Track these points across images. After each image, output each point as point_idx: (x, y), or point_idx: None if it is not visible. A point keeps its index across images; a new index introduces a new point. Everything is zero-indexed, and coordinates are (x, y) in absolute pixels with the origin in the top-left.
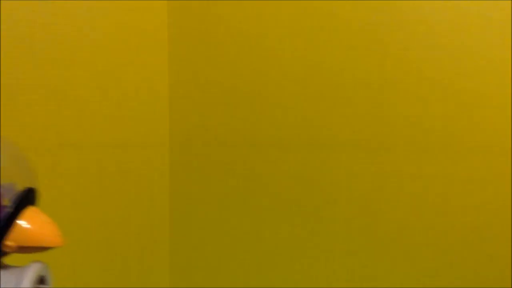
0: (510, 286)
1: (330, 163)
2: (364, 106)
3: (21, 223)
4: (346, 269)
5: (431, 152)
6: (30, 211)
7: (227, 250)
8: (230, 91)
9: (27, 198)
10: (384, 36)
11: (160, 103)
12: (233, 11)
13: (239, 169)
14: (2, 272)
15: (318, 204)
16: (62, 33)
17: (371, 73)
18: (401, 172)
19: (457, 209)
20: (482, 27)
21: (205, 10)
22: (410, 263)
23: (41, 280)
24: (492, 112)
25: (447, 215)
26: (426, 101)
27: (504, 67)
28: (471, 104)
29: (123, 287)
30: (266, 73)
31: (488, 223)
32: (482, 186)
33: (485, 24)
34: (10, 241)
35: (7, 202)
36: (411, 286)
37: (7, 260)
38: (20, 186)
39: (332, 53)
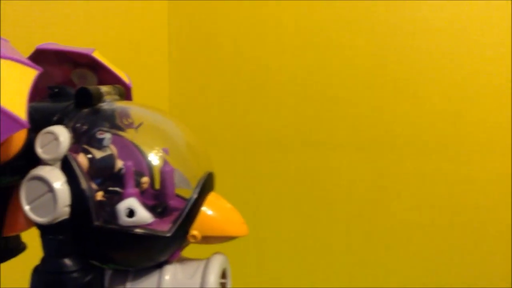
0: (510, 286)
1: (330, 163)
2: (364, 106)
3: (206, 211)
4: (346, 269)
5: (431, 152)
6: (212, 197)
7: (227, 250)
8: (230, 91)
9: (209, 184)
10: (384, 36)
11: (160, 103)
12: (233, 11)
13: (239, 169)
14: (183, 266)
15: (318, 204)
16: (62, 33)
17: (371, 74)
18: (401, 172)
19: (457, 209)
20: (482, 27)
21: (205, 10)
22: (410, 263)
23: (223, 274)
24: (492, 112)
25: (447, 215)
26: (426, 102)
27: (504, 67)
28: (471, 105)
29: None
30: (266, 73)
31: (488, 223)
32: (482, 186)
33: (485, 24)
34: (195, 231)
35: (180, 191)
36: (411, 286)
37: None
38: (199, 170)
39: (332, 53)
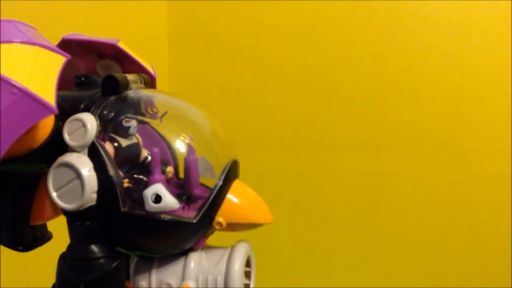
0: (510, 286)
1: (330, 163)
2: (364, 107)
3: (231, 197)
4: (346, 269)
5: (431, 152)
6: (237, 185)
7: None
8: (230, 91)
9: (234, 171)
10: (384, 35)
11: None
12: (233, 11)
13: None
14: (208, 254)
15: (318, 204)
16: (62, 33)
17: (372, 74)
18: (401, 172)
19: (457, 209)
20: (482, 27)
21: (205, 10)
22: (410, 263)
23: (247, 262)
24: (492, 112)
25: (447, 215)
26: (426, 102)
27: (504, 67)
28: (471, 105)
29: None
30: (266, 74)
31: (488, 223)
32: (482, 186)
33: (485, 24)
34: (221, 218)
35: (204, 180)
36: (411, 286)
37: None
38: (224, 158)
39: (332, 53)
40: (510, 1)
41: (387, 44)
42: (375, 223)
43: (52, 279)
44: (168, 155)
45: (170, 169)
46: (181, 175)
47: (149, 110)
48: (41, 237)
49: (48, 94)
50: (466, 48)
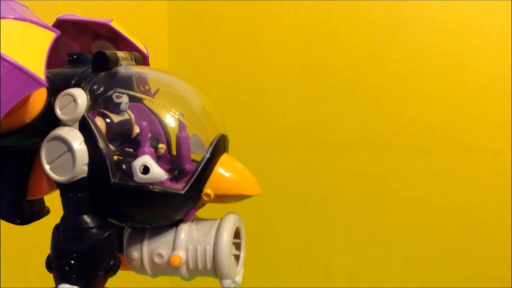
0: (510, 286)
1: (330, 163)
2: (364, 106)
3: (219, 170)
4: (346, 269)
5: (431, 152)
6: (225, 158)
7: None
8: (230, 91)
9: (222, 145)
10: (385, 36)
11: None
12: (233, 11)
13: None
14: (198, 225)
15: (318, 204)
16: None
17: (372, 74)
18: (401, 172)
19: (457, 209)
20: (482, 27)
21: (205, 10)
22: (410, 263)
23: (236, 233)
24: (492, 112)
25: (447, 215)
26: (426, 102)
27: (504, 67)
28: (471, 105)
29: (123, 287)
30: (266, 73)
31: (488, 223)
32: (482, 186)
33: (485, 24)
34: (209, 189)
35: (196, 156)
36: (411, 286)
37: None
38: (213, 133)
39: (332, 53)
40: (510, 1)
41: (387, 44)
42: (375, 223)
43: (52, 279)
44: (160, 132)
45: (162, 146)
46: (174, 152)
47: (141, 88)
48: (39, 212)
49: (37, 68)
50: (466, 48)
